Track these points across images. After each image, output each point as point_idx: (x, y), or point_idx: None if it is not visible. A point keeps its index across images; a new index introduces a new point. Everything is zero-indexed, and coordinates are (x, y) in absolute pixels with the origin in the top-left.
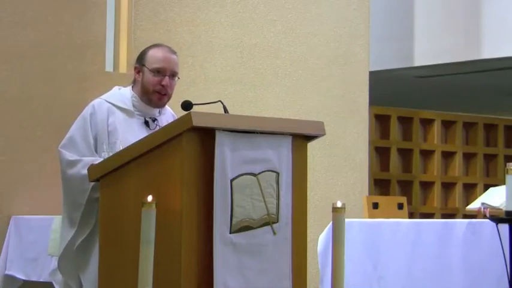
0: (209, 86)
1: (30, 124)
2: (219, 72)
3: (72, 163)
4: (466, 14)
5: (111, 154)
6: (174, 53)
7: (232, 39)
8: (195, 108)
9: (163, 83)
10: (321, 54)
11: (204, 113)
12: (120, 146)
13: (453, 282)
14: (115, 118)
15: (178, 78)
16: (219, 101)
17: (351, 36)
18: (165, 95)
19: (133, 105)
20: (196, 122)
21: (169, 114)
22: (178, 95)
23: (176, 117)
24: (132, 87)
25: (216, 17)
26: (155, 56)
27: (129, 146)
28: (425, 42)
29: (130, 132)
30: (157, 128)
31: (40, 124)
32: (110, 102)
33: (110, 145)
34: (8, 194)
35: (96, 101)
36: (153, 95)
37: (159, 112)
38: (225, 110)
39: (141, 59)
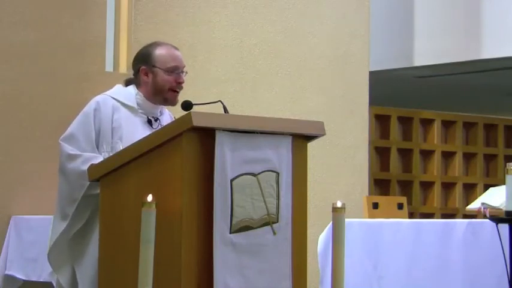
0: (209, 86)
1: (30, 124)
2: (219, 72)
3: (72, 157)
4: (466, 14)
5: (111, 154)
6: (177, 48)
7: (232, 39)
8: (195, 108)
9: (180, 80)
10: (321, 54)
11: (204, 113)
12: (120, 146)
13: (453, 282)
14: (120, 115)
15: (187, 72)
16: (219, 101)
17: (351, 36)
18: (178, 91)
19: (137, 104)
20: (196, 122)
21: (167, 114)
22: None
23: (173, 118)
24: (137, 87)
25: (216, 17)
26: (165, 55)
27: (129, 146)
28: (425, 42)
29: (134, 130)
30: (160, 127)
31: (40, 124)
32: (114, 99)
33: (111, 144)
34: (8, 194)
35: (100, 97)
36: (169, 93)
37: (160, 112)
38: (225, 110)
39: (147, 60)
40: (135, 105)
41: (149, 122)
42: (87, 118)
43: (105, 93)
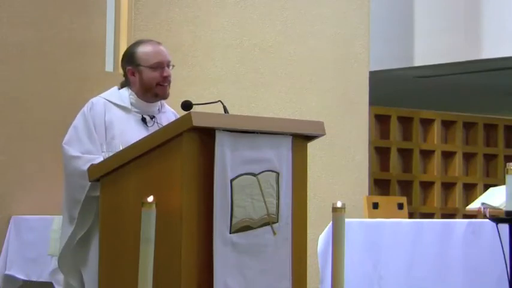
0: (209, 86)
1: (30, 124)
2: (219, 72)
3: (74, 159)
4: (466, 14)
5: (111, 154)
6: (160, 43)
7: (232, 39)
8: (195, 108)
9: (165, 74)
10: (321, 54)
11: (204, 113)
12: (120, 146)
13: (453, 282)
14: (112, 114)
15: (174, 66)
16: (219, 101)
17: (351, 36)
18: (167, 85)
19: (131, 103)
20: (196, 122)
21: (170, 112)
22: (178, 95)
23: (178, 116)
24: (128, 88)
25: (216, 17)
26: (147, 52)
27: (129, 146)
28: (425, 42)
29: (127, 129)
30: (155, 125)
31: (40, 124)
32: (106, 99)
33: (109, 145)
34: (8, 194)
35: (94, 98)
36: (157, 88)
37: (159, 110)
38: (225, 110)
39: (131, 60)
40: (129, 105)
41: (143, 120)
42: (85, 118)
43: (99, 95)
